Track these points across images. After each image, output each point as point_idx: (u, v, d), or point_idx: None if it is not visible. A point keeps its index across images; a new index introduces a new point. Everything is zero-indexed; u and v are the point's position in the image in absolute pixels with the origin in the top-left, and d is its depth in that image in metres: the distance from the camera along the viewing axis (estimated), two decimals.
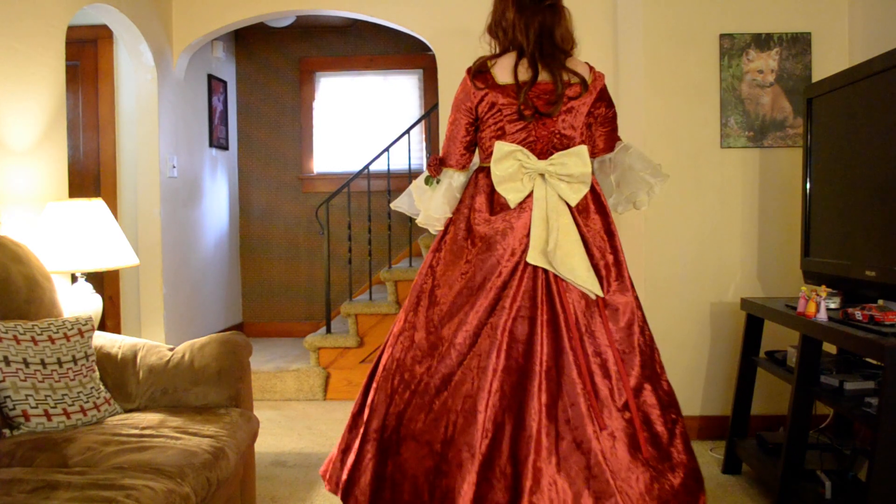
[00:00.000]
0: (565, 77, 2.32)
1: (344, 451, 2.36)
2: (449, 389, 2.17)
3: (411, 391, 2.22)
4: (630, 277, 2.35)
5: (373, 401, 2.30)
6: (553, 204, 2.29)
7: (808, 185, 2.86)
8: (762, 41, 3.39)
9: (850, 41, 3.35)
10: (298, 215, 5.81)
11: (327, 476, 2.38)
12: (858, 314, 2.29)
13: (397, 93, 5.77)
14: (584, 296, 2.25)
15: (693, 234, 3.45)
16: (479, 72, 2.36)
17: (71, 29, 3.20)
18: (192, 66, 4.62)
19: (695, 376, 3.47)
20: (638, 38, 3.50)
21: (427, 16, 4.12)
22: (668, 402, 2.26)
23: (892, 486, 2.03)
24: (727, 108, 3.41)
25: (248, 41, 5.76)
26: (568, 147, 2.33)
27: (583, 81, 2.32)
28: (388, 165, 4.78)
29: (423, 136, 5.61)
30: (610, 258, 2.33)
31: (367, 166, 4.67)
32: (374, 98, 5.77)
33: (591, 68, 2.40)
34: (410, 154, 4.92)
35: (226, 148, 5.45)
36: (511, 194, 2.31)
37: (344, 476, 2.28)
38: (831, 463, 2.59)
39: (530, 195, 2.32)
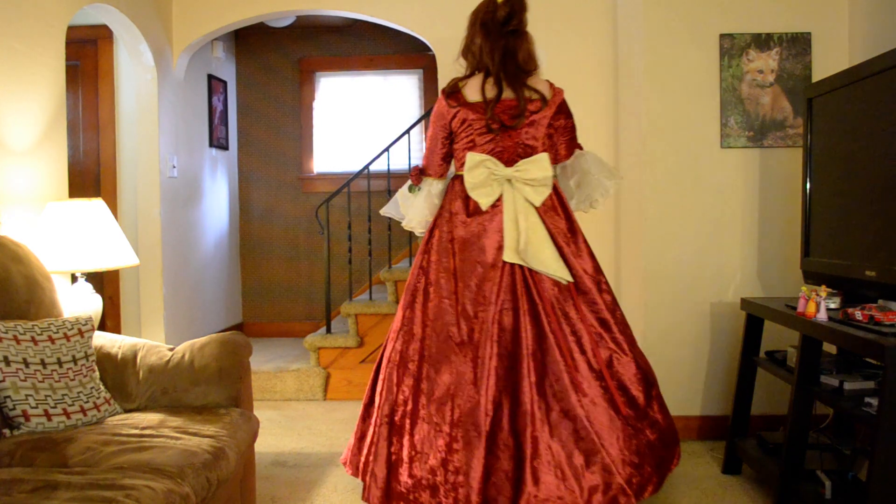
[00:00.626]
0: (527, 94, 2.62)
1: (360, 439, 2.65)
2: (451, 377, 2.46)
3: (415, 378, 2.51)
4: (596, 263, 2.67)
5: (381, 390, 2.58)
6: (521, 206, 2.60)
7: (808, 185, 2.86)
8: (762, 41, 3.39)
9: (850, 41, 3.35)
10: (298, 215, 5.81)
11: (347, 462, 2.67)
12: (858, 314, 2.29)
13: (397, 93, 5.77)
14: (557, 283, 2.55)
15: (693, 234, 3.45)
16: (452, 92, 2.69)
17: (71, 29, 3.20)
18: (192, 66, 4.62)
19: (695, 376, 3.47)
20: (638, 38, 3.50)
21: (427, 16, 4.12)
22: (642, 370, 2.57)
23: (892, 486, 2.03)
24: (727, 108, 3.41)
25: (248, 41, 5.76)
26: (531, 155, 2.64)
27: (542, 97, 2.63)
28: (388, 165, 4.78)
29: (423, 136, 5.61)
30: (574, 249, 2.64)
31: (367, 166, 4.66)
32: (374, 98, 5.77)
33: (551, 85, 2.69)
34: (410, 154, 4.91)
35: (226, 148, 5.45)
36: (483, 198, 2.62)
37: (362, 459, 2.57)
38: (831, 463, 2.59)
39: (500, 199, 2.63)
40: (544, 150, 2.67)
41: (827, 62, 3.34)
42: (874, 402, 2.17)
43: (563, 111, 2.71)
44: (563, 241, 2.62)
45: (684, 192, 3.44)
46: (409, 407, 2.49)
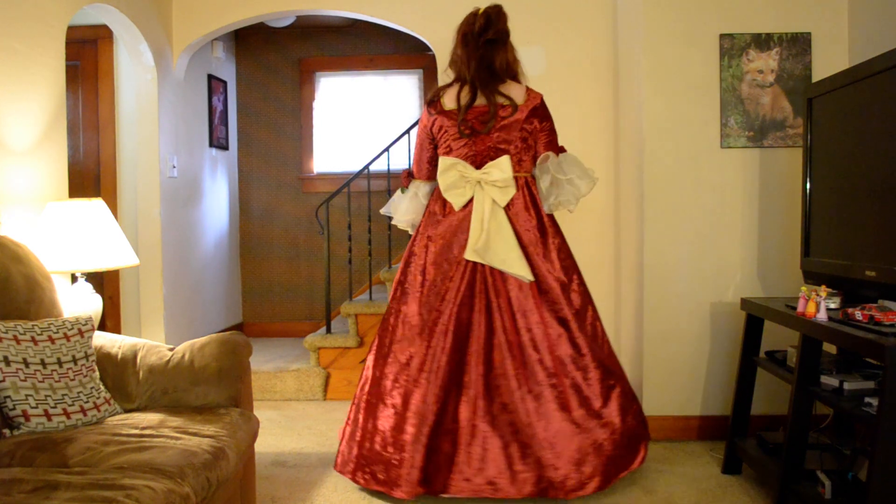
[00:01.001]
0: (499, 100, 2.81)
1: (351, 415, 2.93)
2: (409, 365, 2.73)
3: (385, 363, 2.81)
4: (567, 264, 2.83)
5: (366, 374, 2.89)
6: (488, 206, 2.79)
7: (808, 185, 2.86)
8: (762, 41, 3.39)
9: (850, 41, 3.35)
10: (298, 215, 5.81)
11: (339, 434, 2.98)
12: (858, 314, 2.29)
13: (397, 93, 5.77)
14: (520, 282, 2.74)
15: (693, 235, 3.44)
16: (432, 100, 2.93)
17: (71, 29, 3.20)
18: (192, 66, 4.62)
19: (695, 376, 3.47)
20: (638, 38, 3.50)
21: (427, 16, 4.12)
22: (603, 371, 2.73)
23: (892, 486, 2.03)
24: (727, 108, 3.41)
25: (248, 41, 5.76)
26: None
27: (513, 102, 2.81)
28: (388, 165, 4.78)
29: None
30: (541, 250, 2.80)
31: (367, 166, 4.66)
32: (374, 98, 5.77)
33: (528, 90, 2.87)
34: (410, 154, 4.91)
35: (226, 148, 5.45)
36: (455, 199, 2.83)
37: (348, 431, 2.90)
38: (831, 463, 2.59)
39: (472, 200, 2.82)
40: (518, 153, 2.85)
41: (827, 62, 3.34)
42: (874, 402, 2.16)
43: (538, 115, 2.86)
44: (530, 242, 2.80)
45: (684, 192, 3.44)
46: (378, 389, 2.79)
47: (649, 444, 3.05)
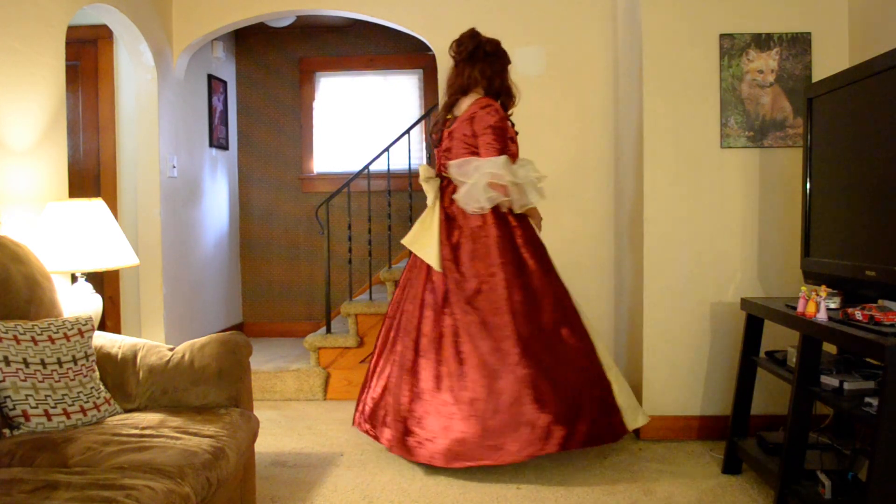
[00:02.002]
0: (449, 113, 3.28)
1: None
2: (385, 334, 3.33)
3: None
4: (507, 261, 3.11)
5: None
6: (431, 204, 3.28)
7: (808, 185, 2.86)
8: (762, 41, 3.39)
9: (850, 41, 3.35)
10: (298, 215, 5.81)
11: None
12: (858, 314, 2.29)
13: (397, 93, 5.77)
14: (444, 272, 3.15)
15: (693, 235, 3.44)
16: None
17: (71, 29, 3.20)
18: (192, 66, 4.62)
19: (695, 376, 3.47)
20: (638, 37, 3.50)
21: (427, 16, 4.12)
22: (529, 367, 2.93)
23: (892, 486, 2.03)
24: (727, 108, 3.41)
25: (248, 41, 5.76)
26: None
27: (453, 116, 3.25)
28: (388, 165, 4.78)
29: (423, 136, 5.61)
30: (468, 247, 3.13)
31: (367, 166, 4.66)
32: (374, 98, 5.77)
33: (477, 101, 3.18)
34: (410, 154, 4.91)
35: (226, 148, 5.45)
36: (428, 196, 3.31)
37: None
38: (831, 463, 2.59)
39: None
40: (458, 156, 3.21)
41: (827, 62, 3.34)
42: (874, 402, 2.16)
43: (472, 124, 3.15)
44: (460, 237, 3.17)
45: (684, 192, 3.44)
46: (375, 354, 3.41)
47: (617, 442, 3.18)
